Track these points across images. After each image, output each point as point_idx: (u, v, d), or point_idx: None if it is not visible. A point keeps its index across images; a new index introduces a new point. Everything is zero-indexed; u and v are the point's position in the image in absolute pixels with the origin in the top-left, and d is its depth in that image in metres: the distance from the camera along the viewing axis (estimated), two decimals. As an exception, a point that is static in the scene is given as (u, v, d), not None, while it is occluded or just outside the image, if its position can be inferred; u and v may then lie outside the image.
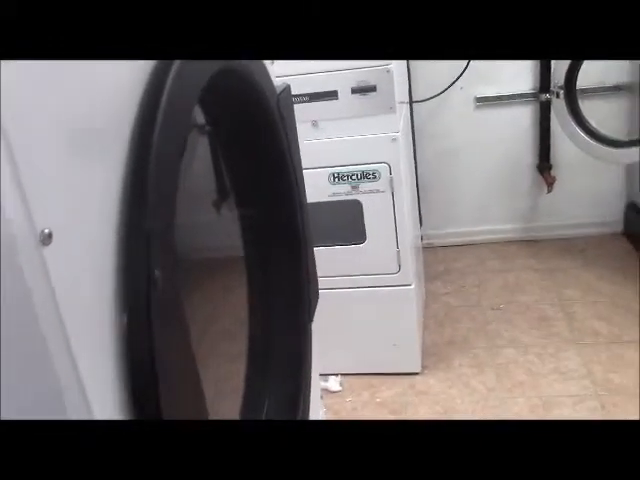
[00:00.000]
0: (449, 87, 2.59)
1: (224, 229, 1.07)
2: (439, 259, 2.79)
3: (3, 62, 0.39)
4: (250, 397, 1.00)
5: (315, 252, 1.43)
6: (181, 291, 0.62)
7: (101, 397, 0.48)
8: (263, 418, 0.99)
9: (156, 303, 0.51)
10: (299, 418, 1.00)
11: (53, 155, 0.44)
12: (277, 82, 1.02)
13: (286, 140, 0.97)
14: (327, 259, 1.94)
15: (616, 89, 2.54)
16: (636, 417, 1.78)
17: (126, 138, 0.53)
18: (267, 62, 0.95)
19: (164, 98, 0.56)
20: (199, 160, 1.00)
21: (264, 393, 1.00)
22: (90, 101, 0.50)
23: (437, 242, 2.87)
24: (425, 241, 2.78)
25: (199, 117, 0.93)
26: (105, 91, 0.52)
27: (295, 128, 1.06)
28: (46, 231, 0.41)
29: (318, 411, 1.29)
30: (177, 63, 0.59)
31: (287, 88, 1.00)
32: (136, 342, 0.50)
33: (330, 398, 2.02)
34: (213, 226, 1.09)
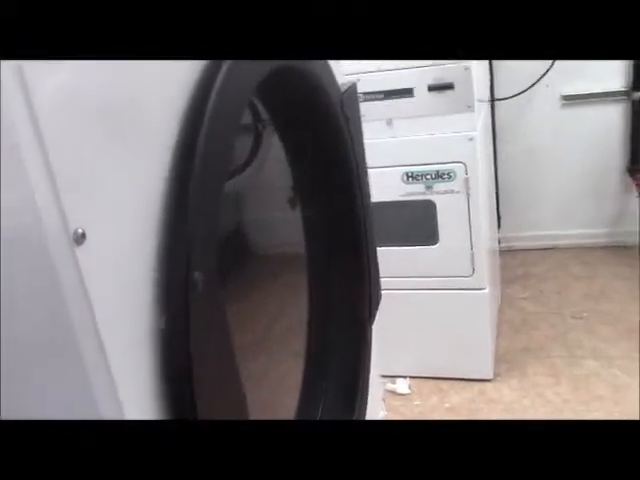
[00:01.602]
0: (534, 84, 2.49)
1: (298, 226, 1.07)
2: (518, 263, 2.69)
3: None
4: (307, 396, 1.00)
5: (386, 252, 1.40)
6: (241, 289, 0.62)
7: (135, 403, 0.48)
8: (318, 418, 0.98)
9: (196, 307, 0.51)
10: (354, 419, 0.98)
11: (90, 150, 0.44)
12: (344, 80, 1.00)
13: (350, 140, 0.95)
14: (399, 259, 1.91)
15: None
16: None
17: (171, 136, 0.53)
18: (333, 61, 0.94)
19: (212, 97, 0.55)
20: (279, 157, 1.00)
21: (320, 392, 1.00)
22: (135, 97, 0.50)
23: (516, 245, 2.77)
24: (504, 244, 2.69)
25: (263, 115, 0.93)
26: (152, 86, 0.52)
27: (360, 127, 1.04)
28: (79, 231, 0.41)
29: (378, 412, 1.27)
30: (229, 61, 0.59)
31: (352, 87, 0.98)
32: (174, 347, 0.50)
33: (397, 400, 1.99)
34: (287, 223, 1.09)
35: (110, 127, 0.46)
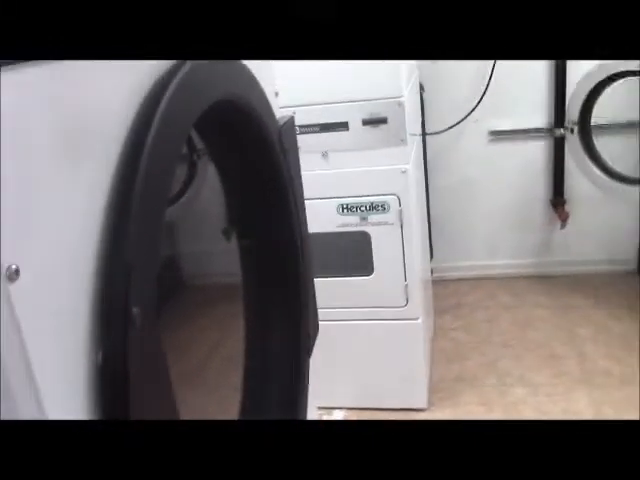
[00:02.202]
0: (463, 120, 2.59)
1: (234, 256, 1.06)
2: (450, 293, 2.75)
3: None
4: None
5: (321, 283, 1.41)
6: (176, 319, 0.61)
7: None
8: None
9: (134, 342, 0.49)
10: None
11: (27, 182, 0.43)
12: (282, 113, 1.01)
13: (287, 172, 0.96)
14: (334, 290, 1.92)
15: (630, 126, 2.51)
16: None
17: (111, 167, 0.52)
18: (271, 94, 0.94)
19: (155, 123, 0.55)
20: (213, 188, 0.99)
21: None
22: (74, 128, 0.49)
23: (448, 275, 2.83)
24: (436, 274, 2.75)
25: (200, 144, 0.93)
26: (93, 118, 0.51)
27: (298, 160, 1.05)
28: (13, 267, 0.40)
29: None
30: (172, 88, 0.59)
31: (290, 120, 1.00)
32: (110, 383, 0.48)
33: (333, 432, 1.98)
34: (223, 253, 1.08)
35: (48, 158, 0.45)
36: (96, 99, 0.51)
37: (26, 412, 0.43)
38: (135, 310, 0.49)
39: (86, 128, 0.50)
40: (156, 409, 0.55)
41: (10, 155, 0.41)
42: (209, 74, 0.71)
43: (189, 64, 0.63)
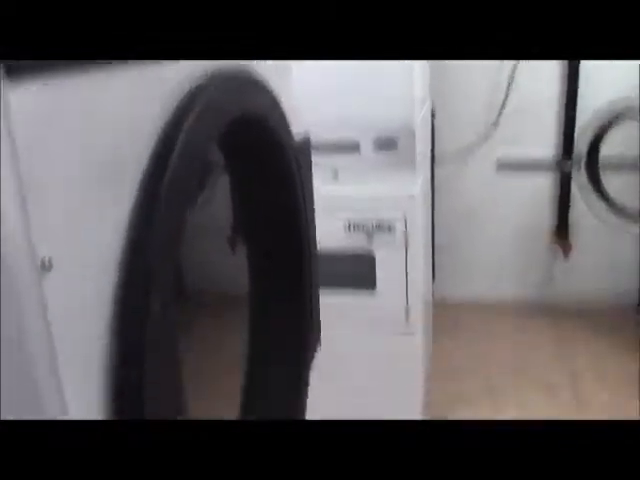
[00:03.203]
0: (472, 149, 2.63)
1: (237, 266, 1.09)
2: (450, 317, 2.77)
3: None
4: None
5: (323, 299, 1.44)
6: (178, 327, 0.64)
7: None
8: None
9: (151, 338, 0.53)
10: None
11: (61, 180, 0.46)
12: (299, 130, 1.05)
13: (301, 190, 1.00)
14: (336, 307, 1.94)
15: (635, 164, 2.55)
16: None
17: (138, 171, 0.56)
18: (290, 111, 0.98)
19: (180, 139, 0.58)
20: (222, 198, 1.03)
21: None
22: (106, 129, 0.52)
23: (449, 300, 2.85)
24: (437, 298, 2.77)
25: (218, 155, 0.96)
26: (123, 128, 0.55)
27: (311, 178, 1.09)
28: (47, 259, 0.43)
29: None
30: (197, 107, 0.62)
31: (307, 139, 1.03)
32: (127, 374, 0.52)
33: (327, 448, 2.00)
34: (227, 262, 1.11)
35: (83, 160, 0.49)
36: (120, 114, 0.55)
37: (48, 398, 0.46)
38: (156, 307, 0.52)
39: (111, 143, 0.53)
40: (169, 400, 0.58)
41: (42, 160, 0.44)
42: (231, 92, 0.74)
43: (212, 83, 0.66)
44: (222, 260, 1.12)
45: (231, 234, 1.11)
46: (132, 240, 0.53)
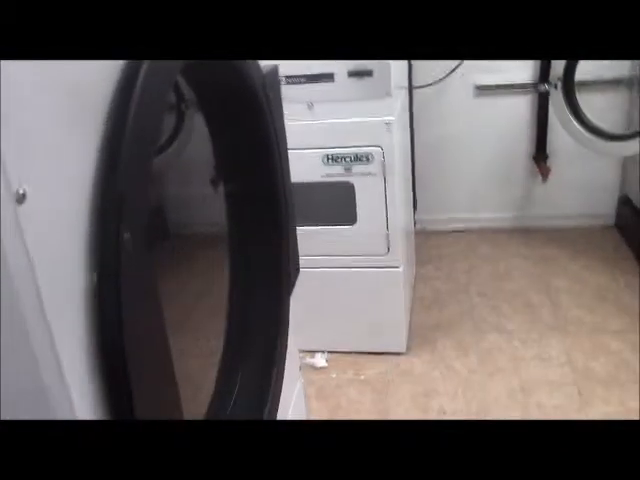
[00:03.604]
0: (449, 74, 2.62)
1: (219, 204, 1.11)
2: (431, 244, 2.83)
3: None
4: (226, 367, 1.05)
5: (305, 231, 1.47)
6: (155, 256, 0.66)
7: (70, 352, 0.52)
8: (235, 389, 1.03)
9: (126, 265, 0.55)
10: (271, 388, 1.04)
11: (31, 115, 0.48)
12: (266, 63, 1.06)
13: (271, 120, 1.01)
14: (317, 239, 1.99)
15: (614, 83, 2.56)
16: (613, 405, 1.83)
17: (106, 102, 0.57)
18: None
19: (143, 69, 0.60)
20: (201, 137, 1.04)
21: (239, 362, 1.05)
22: (73, 71, 0.54)
23: (431, 227, 2.90)
24: (419, 226, 2.82)
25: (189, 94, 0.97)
26: (89, 64, 0.56)
27: (282, 109, 1.10)
28: (21, 191, 0.46)
29: (295, 383, 1.34)
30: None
31: (274, 69, 1.04)
32: (105, 300, 0.55)
33: (316, 374, 2.07)
34: (209, 201, 1.13)
35: (52, 99, 0.50)
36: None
37: (34, 327, 0.49)
38: (126, 235, 0.55)
39: (78, 77, 0.55)
40: (149, 332, 0.61)
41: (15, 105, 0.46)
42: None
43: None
44: (205, 200, 1.14)
45: (214, 174, 1.13)
46: (102, 171, 0.55)
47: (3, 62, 0.45)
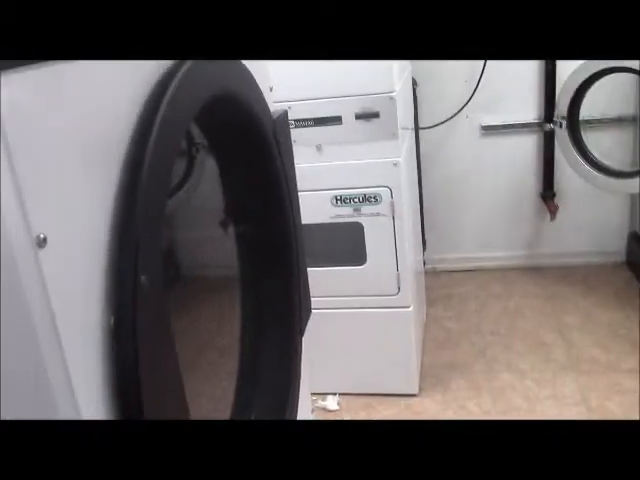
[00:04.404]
0: (455, 115, 2.66)
1: (230, 247, 1.12)
2: (442, 284, 2.82)
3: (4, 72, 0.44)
4: (238, 408, 1.04)
5: (316, 272, 1.47)
6: (169, 298, 0.67)
7: (87, 392, 0.53)
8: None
9: (142, 307, 0.56)
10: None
11: (52, 163, 0.50)
12: (277, 107, 1.08)
13: (281, 163, 1.03)
14: (327, 279, 1.99)
15: (619, 120, 2.58)
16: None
17: (122, 151, 0.59)
18: (266, 89, 1.01)
19: (158, 119, 0.62)
20: (211, 180, 1.06)
21: (251, 404, 1.05)
22: (90, 113, 0.56)
23: (440, 267, 2.90)
24: (428, 265, 2.82)
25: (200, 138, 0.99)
26: (105, 106, 0.58)
27: (291, 152, 1.12)
28: (41, 236, 0.47)
29: (308, 425, 1.32)
30: (172, 88, 0.65)
31: (284, 113, 1.06)
32: (122, 343, 0.55)
33: (328, 416, 2.05)
34: (220, 244, 1.14)
35: (71, 143, 0.52)
36: (103, 98, 0.58)
37: (52, 367, 0.49)
38: (143, 278, 0.56)
39: (96, 126, 0.57)
40: (163, 370, 0.62)
41: (27, 150, 0.48)
42: (207, 72, 0.77)
43: (188, 63, 0.70)
44: (216, 242, 1.15)
45: (224, 216, 1.14)
46: (118, 218, 0.56)
47: (27, 111, 0.46)
